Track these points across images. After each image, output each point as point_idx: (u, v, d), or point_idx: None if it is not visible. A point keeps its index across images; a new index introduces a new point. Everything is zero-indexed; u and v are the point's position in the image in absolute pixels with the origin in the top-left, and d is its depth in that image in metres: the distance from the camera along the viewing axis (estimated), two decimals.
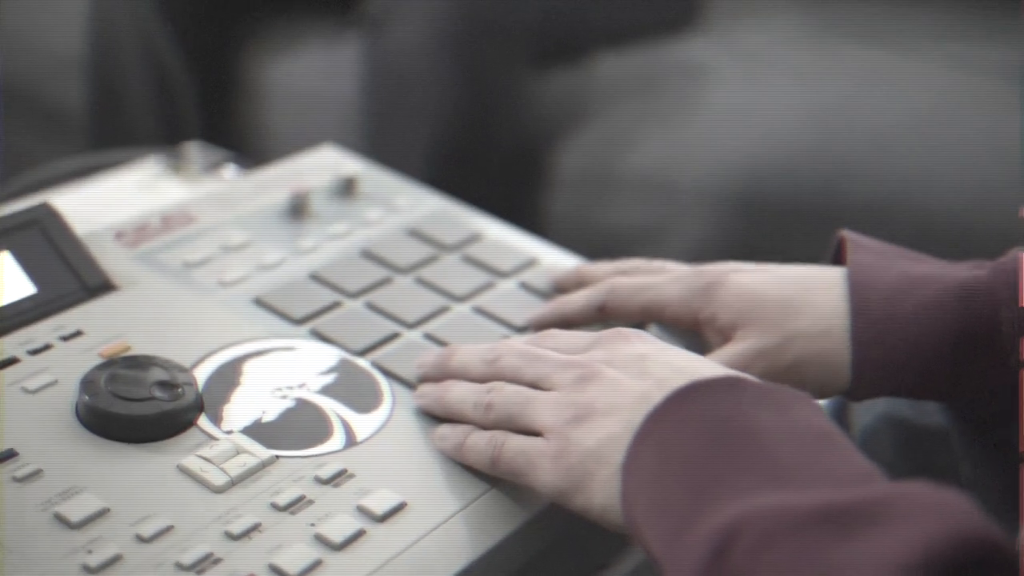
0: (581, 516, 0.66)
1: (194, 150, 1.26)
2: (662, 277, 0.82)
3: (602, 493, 0.64)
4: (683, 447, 0.60)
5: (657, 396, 0.63)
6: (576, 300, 0.84)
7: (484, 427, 0.71)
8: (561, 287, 0.88)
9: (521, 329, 0.85)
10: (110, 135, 1.73)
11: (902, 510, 0.51)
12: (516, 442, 0.69)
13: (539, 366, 0.70)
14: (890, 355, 0.74)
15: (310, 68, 1.78)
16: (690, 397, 0.62)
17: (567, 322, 0.84)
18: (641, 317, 0.83)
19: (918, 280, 0.75)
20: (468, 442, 0.71)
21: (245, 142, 1.73)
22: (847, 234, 0.80)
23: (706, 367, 0.66)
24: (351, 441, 0.73)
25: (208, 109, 1.77)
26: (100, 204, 1.12)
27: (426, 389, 0.76)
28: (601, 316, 0.83)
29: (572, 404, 0.67)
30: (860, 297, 0.75)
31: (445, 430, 0.73)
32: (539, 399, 0.69)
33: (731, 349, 0.77)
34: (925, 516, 0.51)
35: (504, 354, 0.73)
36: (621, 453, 0.63)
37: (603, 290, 0.83)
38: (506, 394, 0.70)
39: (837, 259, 0.82)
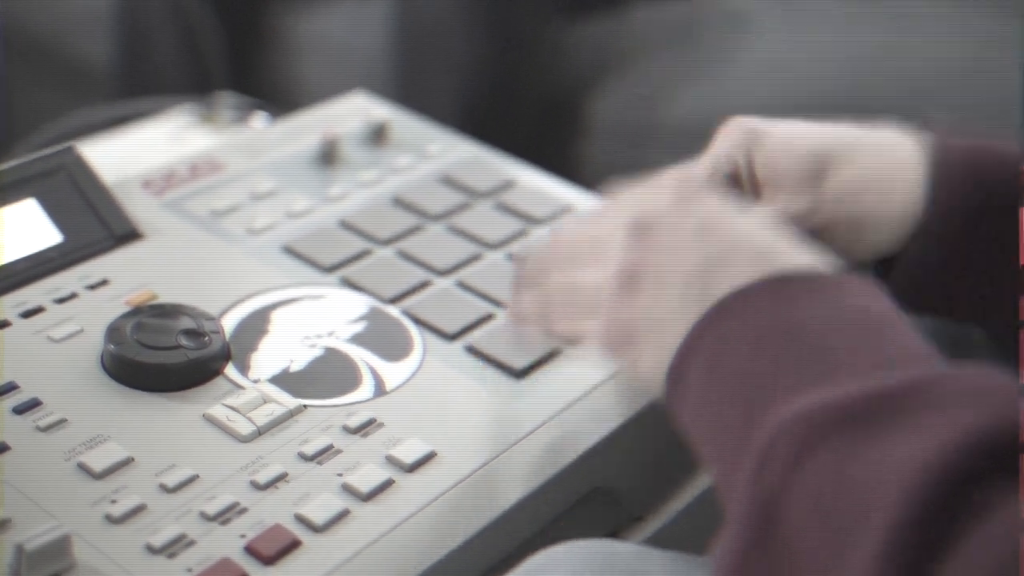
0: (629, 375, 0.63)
1: (224, 99, 1.25)
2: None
3: (653, 358, 0.60)
4: (728, 360, 0.56)
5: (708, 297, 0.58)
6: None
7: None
8: None
9: None
10: (138, 87, 1.72)
11: (942, 396, 0.48)
12: (565, 296, 0.66)
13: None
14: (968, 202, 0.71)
15: (340, 18, 1.76)
16: (733, 308, 0.57)
17: None
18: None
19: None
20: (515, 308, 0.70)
21: (274, 93, 1.71)
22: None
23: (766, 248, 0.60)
24: (380, 390, 0.72)
25: (237, 60, 1.75)
26: (129, 154, 1.12)
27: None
28: None
29: (626, 263, 0.62)
30: (939, 145, 0.72)
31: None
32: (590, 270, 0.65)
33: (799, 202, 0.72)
34: (967, 402, 0.47)
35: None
36: (673, 315, 0.59)
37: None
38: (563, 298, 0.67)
39: None
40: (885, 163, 0.72)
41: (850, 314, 0.55)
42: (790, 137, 0.73)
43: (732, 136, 0.74)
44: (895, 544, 0.44)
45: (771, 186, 0.73)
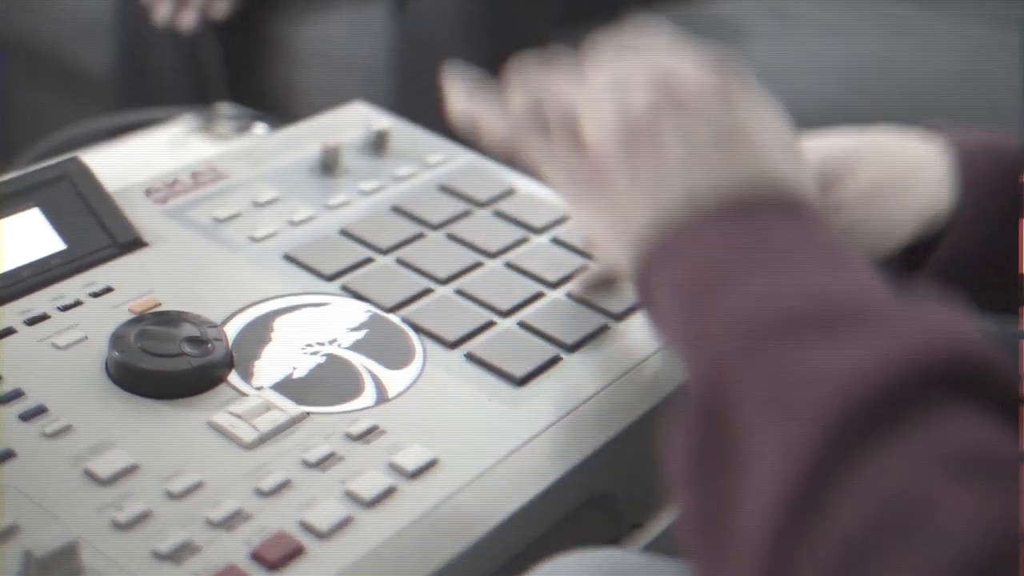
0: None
1: (224, 110, 1.26)
2: None
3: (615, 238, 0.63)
4: (688, 273, 0.57)
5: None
6: None
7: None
8: None
9: (555, 284, 0.83)
10: (138, 97, 1.73)
11: (890, 316, 0.50)
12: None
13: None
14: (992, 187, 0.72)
15: (338, 29, 1.77)
16: (695, 228, 0.58)
17: None
18: None
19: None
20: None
21: (273, 103, 1.72)
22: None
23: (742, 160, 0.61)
24: (382, 397, 0.73)
25: (237, 71, 1.76)
26: (131, 162, 1.12)
27: None
28: None
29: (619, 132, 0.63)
30: (959, 140, 0.73)
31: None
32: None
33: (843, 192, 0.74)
34: (912, 322, 0.50)
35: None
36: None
37: None
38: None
39: None
40: (901, 162, 0.73)
41: (809, 237, 0.57)
42: (803, 149, 0.74)
43: None
44: (826, 441, 0.46)
45: None
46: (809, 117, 1.53)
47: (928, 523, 0.42)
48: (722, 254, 0.56)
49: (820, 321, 0.51)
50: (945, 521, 0.42)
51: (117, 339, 0.71)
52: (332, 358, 0.75)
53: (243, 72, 1.75)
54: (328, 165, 0.94)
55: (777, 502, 0.46)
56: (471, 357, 0.76)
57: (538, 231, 0.89)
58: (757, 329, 0.51)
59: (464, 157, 0.98)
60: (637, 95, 0.62)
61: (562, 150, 0.66)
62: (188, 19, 1.64)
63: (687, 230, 0.58)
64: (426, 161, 0.96)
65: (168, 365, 0.70)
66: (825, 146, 0.75)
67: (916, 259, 0.76)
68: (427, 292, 0.82)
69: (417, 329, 0.78)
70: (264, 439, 0.68)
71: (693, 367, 0.54)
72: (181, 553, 0.61)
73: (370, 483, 0.66)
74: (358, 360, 0.75)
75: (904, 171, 0.73)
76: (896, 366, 0.47)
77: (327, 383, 0.73)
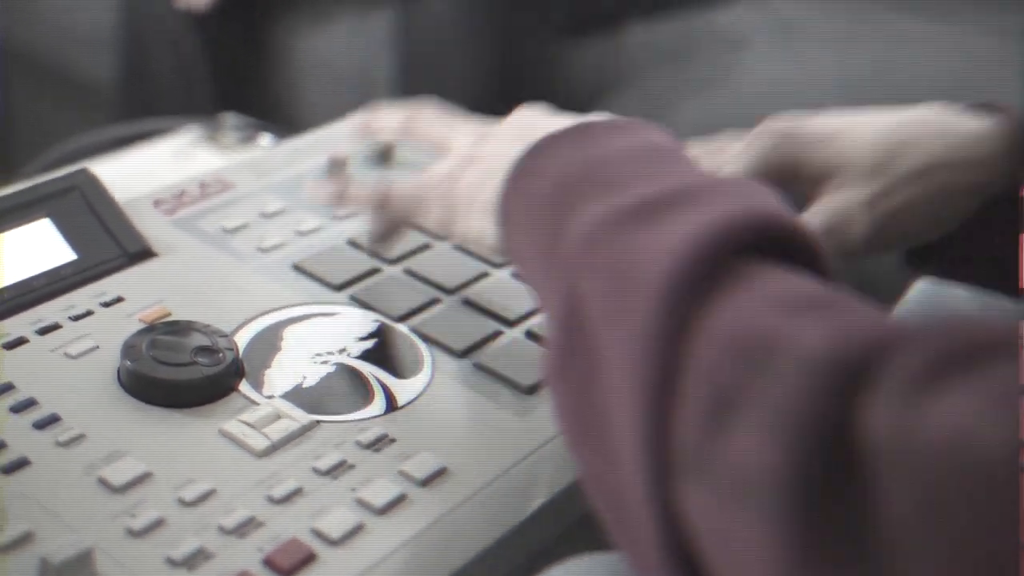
0: (460, 239, 0.74)
1: (228, 120, 1.26)
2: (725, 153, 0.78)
3: (479, 222, 0.70)
4: (539, 194, 0.63)
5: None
6: None
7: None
8: None
9: None
10: (141, 108, 1.74)
11: (705, 196, 0.55)
12: (404, 184, 0.77)
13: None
14: None
15: (341, 39, 1.77)
16: (543, 150, 0.65)
17: None
18: None
19: None
20: (351, 189, 0.81)
21: (276, 113, 1.73)
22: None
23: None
24: (392, 406, 0.73)
25: (240, 82, 1.77)
26: (137, 173, 1.13)
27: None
28: None
29: (463, 156, 0.73)
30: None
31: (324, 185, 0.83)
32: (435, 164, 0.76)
33: (830, 204, 0.73)
34: (724, 199, 0.54)
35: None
36: (495, 191, 0.68)
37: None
38: (402, 187, 0.77)
39: None
40: (957, 137, 0.73)
41: (642, 147, 0.63)
42: (841, 130, 0.74)
43: (763, 142, 0.75)
44: (662, 305, 0.50)
45: (836, 179, 0.73)
46: None
47: (778, 349, 0.46)
48: (565, 169, 0.62)
49: (646, 210, 0.55)
50: (793, 345, 0.46)
51: (129, 348, 0.72)
52: (342, 367, 0.76)
53: (247, 82, 1.76)
54: (334, 176, 0.94)
55: (638, 380, 0.49)
56: (479, 366, 0.77)
57: None
58: (593, 229, 0.56)
59: None
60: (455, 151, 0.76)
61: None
62: None
63: (531, 155, 0.65)
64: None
65: (180, 374, 0.71)
66: (881, 122, 0.75)
67: (919, 256, 0.76)
68: (435, 302, 0.83)
69: (425, 339, 0.79)
70: (275, 447, 0.69)
71: (553, 280, 0.58)
72: (194, 560, 0.62)
73: (381, 491, 0.67)
74: (367, 369, 0.76)
75: (961, 146, 0.73)
76: (719, 229, 0.51)
77: (337, 392, 0.74)
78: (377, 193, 0.78)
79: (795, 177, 0.74)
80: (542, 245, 0.60)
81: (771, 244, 0.52)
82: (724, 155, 0.77)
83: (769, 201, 0.55)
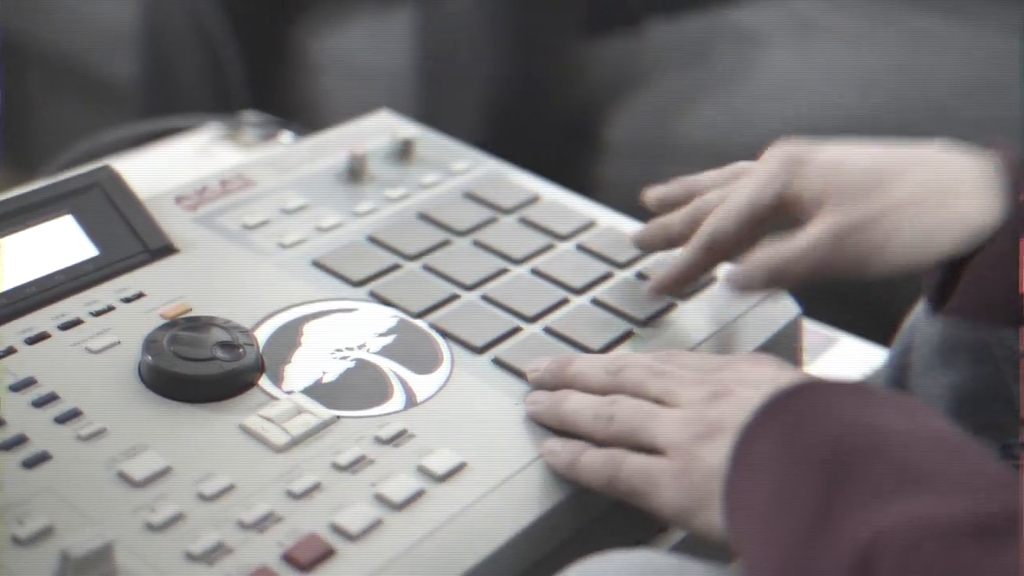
0: (703, 538, 0.63)
1: (248, 118, 1.27)
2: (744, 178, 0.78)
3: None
4: (797, 464, 0.56)
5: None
6: (677, 259, 0.81)
7: (601, 441, 0.68)
8: (665, 201, 0.85)
9: (580, 290, 0.84)
10: (162, 106, 1.74)
11: None
12: (636, 460, 0.65)
13: (666, 381, 0.67)
14: None
15: (361, 37, 1.78)
16: (807, 396, 0.59)
17: (670, 240, 0.83)
18: (749, 231, 0.77)
19: None
20: (584, 459, 0.68)
21: (297, 111, 1.73)
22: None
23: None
24: (411, 402, 0.73)
25: (260, 79, 1.77)
26: (158, 170, 1.13)
27: (540, 396, 0.73)
28: (712, 259, 0.79)
29: (700, 420, 0.63)
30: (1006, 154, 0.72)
31: (555, 445, 0.70)
32: (665, 414, 0.65)
33: (816, 228, 0.72)
34: None
35: (628, 365, 0.70)
36: None
37: (702, 238, 0.78)
38: (629, 407, 0.67)
39: None
40: (942, 173, 0.73)
41: (936, 433, 0.56)
42: (841, 158, 0.74)
43: (775, 164, 0.75)
44: None
45: (824, 205, 0.73)
46: (826, 125, 1.54)
47: None
48: (841, 431, 0.56)
49: (987, 533, 0.49)
50: None
51: (150, 344, 0.72)
52: (361, 363, 0.76)
53: (267, 80, 1.76)
54: (355, 173, 0.95)
55: None
56: (498, 362, 0.77)
57: (563, 238, 0.90)
58: (915, 538, 0.50)
59: (489, 165, 0.99)
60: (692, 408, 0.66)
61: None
62: None
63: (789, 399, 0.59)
64: (451, 169, 0.97)
65: (200, 369, 0.71)
66: (874, 151, 0.75)
67: (949, 278, 0.75)
68: (454, 298, 0.83)
69: (444, 334, 0.79)
70: (295, 442, 0.69)
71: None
72: (214, 554, 0.62)
73: (400, 486, 0.67)
74: (387, 365, 0.76)
75: (951, 180, 0.72)
76: None
77: (357, 387, 0.74)
78: (605, 472, 0.67)
79: (797, 203, 0.75)
80: (804, 530, 0.53)
81: None
82: (737, 183, 0.78)
83: None
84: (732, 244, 0.77)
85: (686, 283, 0.81)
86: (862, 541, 0.50)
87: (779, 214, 0.76)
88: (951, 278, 0.74)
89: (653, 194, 0.85)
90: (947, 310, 0.75)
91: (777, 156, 0.76)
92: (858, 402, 0.58)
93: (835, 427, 0.56)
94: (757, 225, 0.76)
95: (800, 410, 0.59)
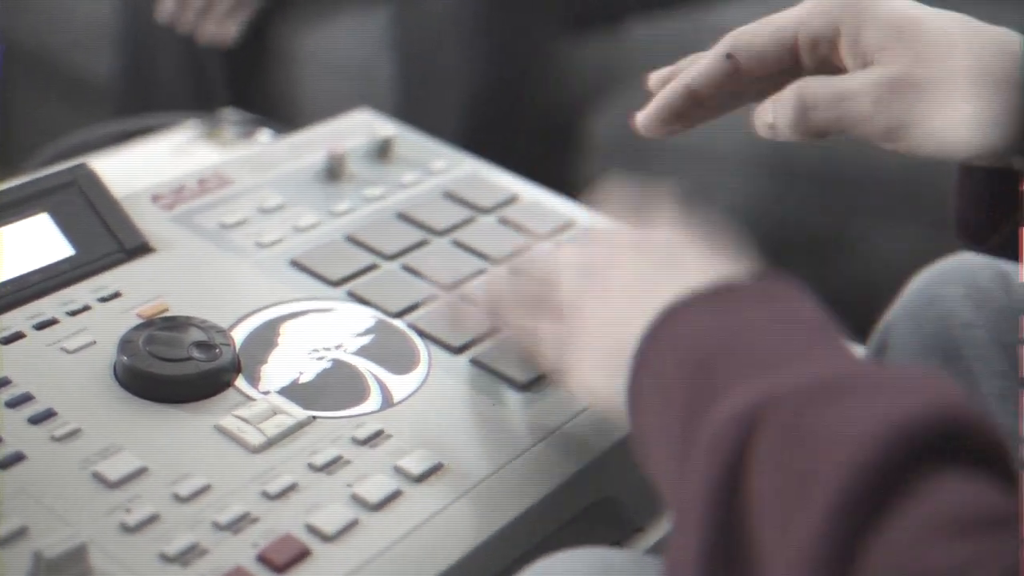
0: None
1: (227, 115, 1.26)
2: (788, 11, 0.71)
3: (597, 377, 0.64)
4: (672, 371, 0.57)
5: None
6: (700, 60, 0.74)
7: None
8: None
9: None
10: (141, 103, 1.73)
11: (887, 383, 0.51)
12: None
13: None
14: None
15: (340, 36, 1.77)
16: (675, 316, 0.58)
17: (694, 94, 0.75)
18: (776, 51, 0.71)
19: None
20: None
21: (276, 109, 1.73)
22: None
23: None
24: (388, 402, 0.73)
25: (239, 77, 1.76)
26: (136, 168, 1.13)
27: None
28: (732, 67, 0.72)
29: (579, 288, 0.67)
30: None
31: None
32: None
33: (870, 74, 0.67)
34: (910, 389, 0.50)
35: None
36: (618, 341, 0.61)
37: (726, 40, 0.73)
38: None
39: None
40: (1008, 62, 0.66)
41: (790, 320, 0.57)
42: (918, 15, 0.68)
43: (824, 5, 0.69)
44: (838, 511, 0.46)
45: (886, 51, 0.67)
46: None
47: None
48: (703, 341, 0.57)
49: (821, 394, 0.51)
50: None
51: (126, 344, 0.72)
52: (338, 363, 0.76)
53: (246, 78, 1.76)
54: (333, 172, 0.94)
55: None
56: (476, 362, 0.77)
57: (542, 237, 0.90)
58: (753, 412, 0.51)
59: (468, 164, 0.99)
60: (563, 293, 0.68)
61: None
62: (209, 32, 1.65)
63: (661, 324, 0.59)
64: (430, 168, 0.97)
65: (176, 369, 0.71)
66: (954, 17, 0.68)
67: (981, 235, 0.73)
68: (432, 298, 0.83)
69: (422, 334, 0.79)
70: (271, 443, 0.69)
71: (693, 473, 0.52)
72: (188, 555, 0.62)
73: (376, 487, 0.67)
74: (364, 365, 0.76)
75: (989, 39, 0.67)
76: (896, 434, 0.47)
77: (333, 388, 0.74)
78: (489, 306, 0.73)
79: (853, 41, 0.68)
80: (675, 431, 0.55)
81: (954, 436, 0.48)
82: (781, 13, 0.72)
83: (954, 392, 0.50)
84: (756, 60, 0.71)
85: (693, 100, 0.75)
86: (721, 422, 0.51)
87: (817, 55, 0.70)
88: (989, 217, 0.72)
89: (656, 74, 0.81)
90: (989, 247, 0.72)
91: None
92: (719, 308, 0.58)
93: (689, 342, 0.57)
94: (786, 53, 0.71)
95: (662, 336, 0.59)
